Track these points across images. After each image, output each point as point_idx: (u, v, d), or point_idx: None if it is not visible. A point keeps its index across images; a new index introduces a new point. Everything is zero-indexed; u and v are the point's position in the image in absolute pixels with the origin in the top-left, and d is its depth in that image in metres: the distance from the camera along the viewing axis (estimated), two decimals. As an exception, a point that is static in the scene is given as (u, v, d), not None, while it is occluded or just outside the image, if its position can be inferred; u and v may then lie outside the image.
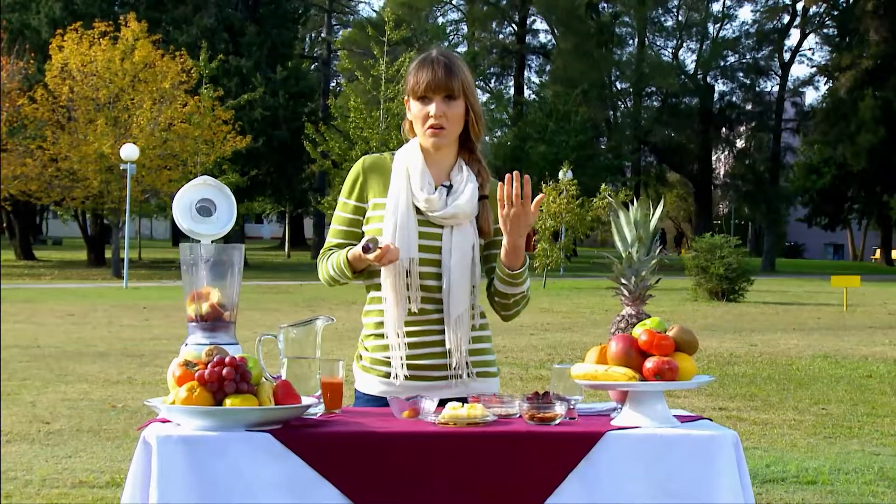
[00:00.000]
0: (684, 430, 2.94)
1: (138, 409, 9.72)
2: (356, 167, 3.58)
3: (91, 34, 36.65)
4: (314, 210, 48.39)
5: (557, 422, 3.00)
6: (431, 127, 3.44)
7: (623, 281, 3.19)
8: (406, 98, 3.52)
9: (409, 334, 3.45)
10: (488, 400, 3.13)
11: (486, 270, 3.53)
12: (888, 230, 66.06)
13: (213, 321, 3.18)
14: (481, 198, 3.49)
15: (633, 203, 3.24)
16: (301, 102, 46.40)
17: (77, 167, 36.00)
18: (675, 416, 3.04)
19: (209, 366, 2.88)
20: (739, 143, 63.46)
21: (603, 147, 56.82)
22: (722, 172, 66.47)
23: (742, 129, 62.98)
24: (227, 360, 2.89)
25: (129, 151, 32.58)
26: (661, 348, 2.96)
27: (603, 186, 35.50)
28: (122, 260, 34.05)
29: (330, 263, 3.49)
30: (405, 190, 3.44)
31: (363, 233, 3.50)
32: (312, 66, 59.78)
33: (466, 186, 3.45)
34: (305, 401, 2.99)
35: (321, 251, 3.57)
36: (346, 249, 3.43)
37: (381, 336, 3.50)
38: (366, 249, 3.27)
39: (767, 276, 43.49)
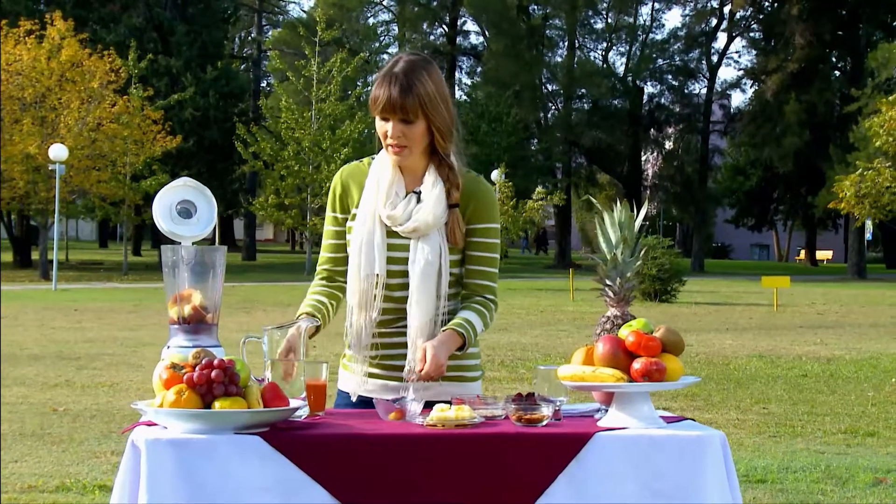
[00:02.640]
0: (672, 431, 2.97)
1: (80, 413, 9.61)
2: (335, 179, 3.58)
3: (16, 32, 36.07)
4: (245, 211, 48.10)
5: (544, 423, 3.01)
6: (391, 146, 3.41)
7: (608, 282, 3.21)
8: None
9: (379, 335, 3.46)
10: (472, 402, 3.14)
11: (464, 276, 3.52)
12: (813, 231, 67.08)
13: (196, 323, 3.15)
14: (451, 206, 3.44)
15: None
16: (232, 103, 46.06)
17: (2, 167, 35.41)
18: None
19: (197, 368, 2.85)
20: (668, 145, 64.07)
21: (534, 149, 57.03)
22: (651, 174, 67.09)
23: (671, 130, 63.59)
24: (215, 362, 2.86)
25: (58, 152, 32.14)
26: (648, 349, 2.98)
27: (539, 189, 35.66)
28: (51, 261, 33.58)
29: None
30: (372, 205, 3.44)
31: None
32: (242, 67, 59.38)
33: (431, 196, 3.42)
34: (292, 403, 2.97)
35: (317, 267, 3.59)
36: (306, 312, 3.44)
37: None
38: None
39: (697, 276, 43.94)
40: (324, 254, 3.59)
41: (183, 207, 3.25)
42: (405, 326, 3.43)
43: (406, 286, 3.41)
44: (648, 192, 62.10)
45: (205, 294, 3.17)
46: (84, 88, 36.52)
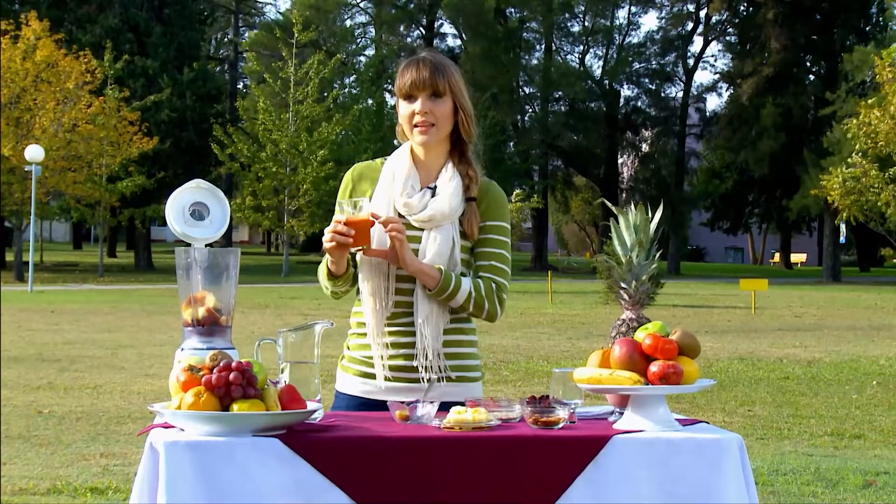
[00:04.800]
0: (689, 434, 2.96)
1: (66, 415, 9.56)
2: (346, 176, 3.58)
3: (-9, 33, 35.91)
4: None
5: (561, 425, 3.01)
6: (418, 125, 3.41)
7: (623, 285, 3.21)
8: (396, 101, 3.49)
9: (387, 334, 3.44)
10: (487, 404, 3.13)
11: (473, 272, 3.50)
12: (787, 234, 67.35)
13: (210, 325, 3.13)
14: (469, 200, 3.45)
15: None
16: (208, 104, 45.90)
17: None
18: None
19: (215, 371, 2.84)
20: (645, 148, 64.20)
21: (511, 151, 57.05)
22: (627, 176, 67.21)
23: (647, 133, 63.75)
24: (233, 364, 2.85)
25: (35, 153, 31.97)
26: (665, 352, 2.97)
27: (517, 191, 35.71)
28: (26, 263, 33.39)
29: (320, 272, 3.49)
30: (388, 194, 3.43)
31: None
32: (218, 68, 59.19)
33: (448, 188, 3.42)
34: (310, 406, 2.96)
35: (322, 262, 3.55)
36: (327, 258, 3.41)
37: (363, 335, 3.49)
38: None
39: (674, 279, 44.07)
40: None
41: (196, 209, 3.24)
42: (412, 325, 3.41)
43: (414, 278, 3.40)
44: (625, 194, 62.22)
45: (218, 296, 3.15)
46: (59, 89, 36.35)
